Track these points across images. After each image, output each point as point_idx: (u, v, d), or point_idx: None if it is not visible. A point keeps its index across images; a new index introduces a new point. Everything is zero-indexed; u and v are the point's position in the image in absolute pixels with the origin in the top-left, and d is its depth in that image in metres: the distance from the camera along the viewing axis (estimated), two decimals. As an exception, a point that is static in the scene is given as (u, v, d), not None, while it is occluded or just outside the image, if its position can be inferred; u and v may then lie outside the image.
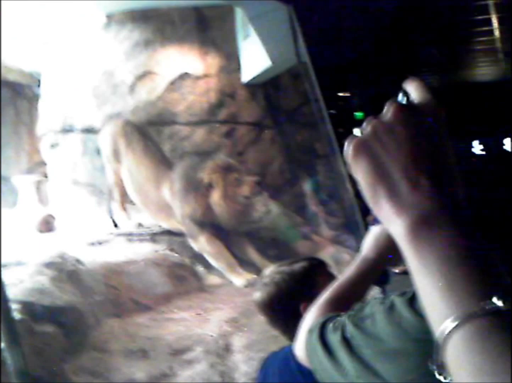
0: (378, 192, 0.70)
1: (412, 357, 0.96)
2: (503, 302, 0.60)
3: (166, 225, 7.75)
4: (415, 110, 0.73)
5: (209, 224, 7.21)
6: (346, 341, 1.16)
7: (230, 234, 7.33)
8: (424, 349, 0.76)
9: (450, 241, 0.65)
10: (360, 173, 0.72)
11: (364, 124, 0.74)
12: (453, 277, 0.63)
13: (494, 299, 0.60)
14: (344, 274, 1.49)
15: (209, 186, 7.17)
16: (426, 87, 0.75)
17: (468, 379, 0.59)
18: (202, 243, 7.16)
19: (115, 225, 7.93)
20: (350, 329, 1.17)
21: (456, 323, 0.61)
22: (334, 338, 1.19)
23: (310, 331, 1.31)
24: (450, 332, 0.61)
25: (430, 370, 0.67)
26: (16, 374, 2.78)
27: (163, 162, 7.85)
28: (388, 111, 0.73)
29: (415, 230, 0.67)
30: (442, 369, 0.64)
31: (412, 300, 0.95)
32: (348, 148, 0.73)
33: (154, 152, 7.82)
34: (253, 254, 7.15)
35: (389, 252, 1.39)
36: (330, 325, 1.22)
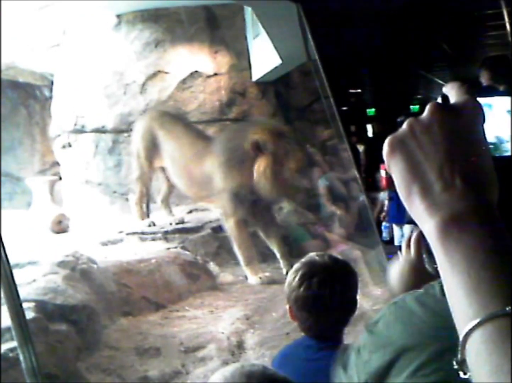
0: (412, 190, 0.72)
1: (424, 353, 0.97)
2: None
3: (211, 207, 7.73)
4: (452, 111, 0.74)
5: (247, 201, 6.78)
6: (358, 352, 1.18)
7: (264, 215, 7.10)
8: (436, 344, 0.77)
9: (479, 242, 0.67)
10: (396, 170, 0.74)
11: (404, 124, 0.75)
12: (480, 278, 0.65)
13: None
14: None
15: (257, 150, 6.52)
16: (465, 88, 0.76)
17: (486, 377, 0.61)
18: (231, 225, 6.93)
19: (153, 224, 7.92)
20: (363, 337, 1.18)
21: (479, 324, 0.62)
22: (352, 354, 1.21)
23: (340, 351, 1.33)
24: (472, 331, 0.63)
25: (441, 366, 0.68)
26: (28, 373, 2.81)
27: (202, 137, 7.54)
28: (426, 111, 0.74)
29: (445, 230, 0.68)
30: (463, 365, 0.66)
31: (423, 296, 0.96)
32: (385, 145, 0.75)
33: (192, 131, 7.59)
34: (275, 243, 7.01)
35: (414, 286, 1.40)
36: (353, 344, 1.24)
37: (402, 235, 8.27)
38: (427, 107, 0.74)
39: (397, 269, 1.51)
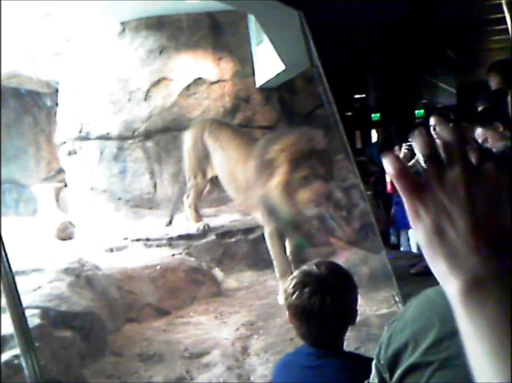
0: (437, 251, 0.73)
1: (437, 332, 0.99)
2: None
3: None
4: (478, 175, 0.75)
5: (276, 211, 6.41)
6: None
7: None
8: (449, 325, 0.78)
9: (502, 308, 0.67)
10: (421, 232, 0.75)
11: (424, 154, 0.76)
12: (502, 344, 0.66)
13: None
14: None
15: (273, 166, 6.14)
16: (489, 153, 0.78)
17: None
18: (266, 236, 6.57)
19: (170, 223, 7.99)
20: (383, 334, 1.20)
21: None
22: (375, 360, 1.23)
23: None
24: None
25: (453, 344, 0.70)
26: (31, 380, 2.83)
27: (248, 142, 7.21)
28: (453, 166, 0.75)
29: (468, 293, 0.69)
30: None
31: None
32: (409, 205, 0.76)
33: (239, 136, 7.41)
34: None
35: None
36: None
37: (408, 240, 8.29)
38: (451, 171, 0.74)
39: None
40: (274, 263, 6.49)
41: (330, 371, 2.32)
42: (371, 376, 1.26)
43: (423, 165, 0.76)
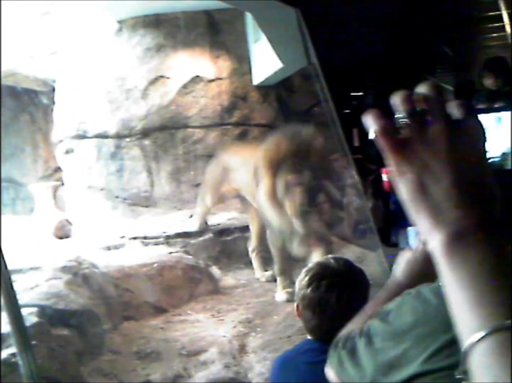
0: (421, 208, 0.75)
1: (437, 341, 0.99)
2: None
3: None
4: (459, 130, 0.76)
5: None
6: (369, 340, 1.19)
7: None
8: (449, 333, 0.79)
9: (483, 258, 0.70)
10: (405, 190, 0.77)
11: (405, 119, 0.77)
12: (483, 293, 0.68)
13: None
14: (376, 297, 1.52)
15: (258, 174, 5.89)
16: (469, 107, 0.78)
17: None
18: (268, 232, 6.42)
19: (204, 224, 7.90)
20: (375, 326, 1.20)
21: (480, 336, 0.66)
22: (360, 343, 1.23)
23: (335, 343, 1.35)
24: (474, 344, 0.66)
25: (453, 352, 0.71)
26: (27, 378, 2.83)
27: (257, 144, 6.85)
28: (434, 122, 0.76)
29: (450, 246, 0.72)
30: (466, 376, 0.69)
31: (438, 288, 0.98)
32: (392, 165, 0.78)
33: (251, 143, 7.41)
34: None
35: (421, 277, 1.41)
36: (357, 332, 1.25)
37: (407, 238, 8.27)
38: (433, 127, 0.76)
39: (408, 259, 1.53)
40: (274, 260, 6.45)
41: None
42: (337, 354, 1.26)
43: (405, 122, 0.77)
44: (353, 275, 2.41)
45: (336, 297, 2.29)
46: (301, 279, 2.41)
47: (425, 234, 0.75)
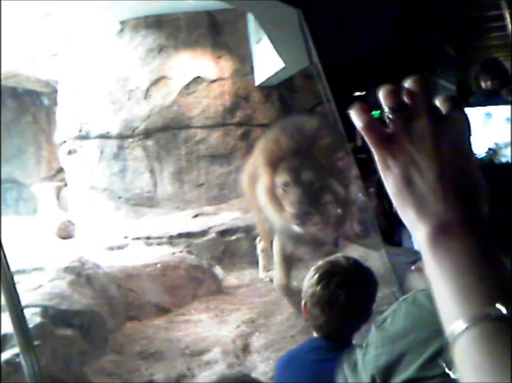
0: (407, 201, 0.76)
1: (432, 346, 1.00)
2: (507, 309, 0.66)
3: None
4: (444, 124, 0.77)
5: None
6: (366, 350, 1.20)
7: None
8: (444, 338, 0.81)
9: (466, 249, 0.72)
10: (390, 183, 0.78)
11: (390, 106, 0.78)
12: (465, 283, 0.70)
13: (499, 306, 0.66)
14: None
15: (257, 171, 5.45)
16: (456, 100, 0.79)
17: (470, 376, 0.66)
18: (274, 240, 6.02)
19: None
20: (371, 334, 1.21)
21: (463, 325, 0.67)
22: (359, 355, 1.24)
23: (342, 361, 1.36)
24: (457, 333, 0.68)
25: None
26: (30, 379, 2.83)
27: None
28: (419, 117, 0.77)
29: (435, 238, 0.73)
30: (450, 365, 0.71)
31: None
32: (378, 159, 0.79)
33: None
34: None
35: None
36: (359, 345, 1.26)
37: (410, 237, 8.27)
38: (418, 121, 0.77)
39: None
40: (275, 270, 5.99)
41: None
42: (342, 375, 1.27)
43: (390, 117, 0.78)
44: (362, 274, 2.42)
45: (346, 295, 2.30)
46: (311, 276, 2.41)
47: (411, 227, 0.77)
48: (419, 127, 0.76)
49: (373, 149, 0.78)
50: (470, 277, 0.70)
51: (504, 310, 0.66)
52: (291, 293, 5.60)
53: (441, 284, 0.72)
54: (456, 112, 0.78)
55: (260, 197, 5.29)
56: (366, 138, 0.78)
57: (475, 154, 0.78)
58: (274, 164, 4.97)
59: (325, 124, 5.64)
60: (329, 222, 5.47)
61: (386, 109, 0.78)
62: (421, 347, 1.07)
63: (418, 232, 0.75)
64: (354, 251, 7.00)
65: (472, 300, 0.69)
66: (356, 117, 0.79)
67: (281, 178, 4.94)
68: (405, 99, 0.78)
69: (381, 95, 0.79)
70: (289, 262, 5.84)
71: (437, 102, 0.79)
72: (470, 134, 0.78)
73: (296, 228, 5.09)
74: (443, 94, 0.80)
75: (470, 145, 0.78)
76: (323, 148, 5.13)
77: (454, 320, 0.69)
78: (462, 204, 0.74)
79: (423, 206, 0.75)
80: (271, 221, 5.52)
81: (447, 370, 0.73)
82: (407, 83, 0.79)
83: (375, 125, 0.78)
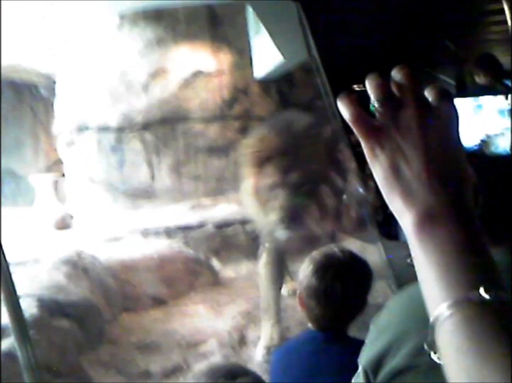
0: (393, 188, 0.78)
1: (422, 334, 1.02)
2: (489, 294, 0.68)
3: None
4: (432, 115, 0.78)
5: None
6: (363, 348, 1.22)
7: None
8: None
9: (450, 235, 0.73)
10: (378, 170, 0.80)
11: (377, 98, 0.80)
12: (449, 268, 0.71)
13: (482, 291, 0.68)
14: None
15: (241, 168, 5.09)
16: (443, 89, 0.81)
17: (452, 358, 0.68)
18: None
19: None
20: (370, 331, 1.22)
21: (446, 308, 0.69)
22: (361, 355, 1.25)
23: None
24: (440, 316, 0.70)
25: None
26: (26, 370, 2.85)
27: None
28: (406, 107, 0.78)
29: (420, 224, 0.75)
30: (433, 346, 0.73)
31: None
32: (365, 146, 0.80)
33: None
34: None
35: None
36: None
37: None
38: (405, 111, 0.78)
39: None
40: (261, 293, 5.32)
41: (337, 355, 2.31)
42: (357, 374, 1.28)
43: (378, 107, 0.79)
44: (358, 265, 2.42)
45: (341, 286, 2.30)
46: (306, 267, 2.41)
47: (397, 214, 0.78)
48: (406, 117, 0.78)
49: (361, 140, 0.80)
50: (454, 263, 0.71)
51: (486, 295, 0.67)
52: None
53: (426, 270, 0.74)
54: (444, 102, 0.79)
55: (244, 199, 4.98)
56: (354, 129, 0.80)
57: (462, 145, 0.79)
58: (260, 165, 4.63)
59: (318, 120, 5.43)
60: (321, 224, 5.08)
61: (373, 100, 0.79)
62: (409, 337, 1.09)
63: (404, 219, 0.77)
64: (351, 244, 7.01)
65: (456, 285, 0.70)
66: (343, 108, 0.80)
67: (268, 179, 4.59)
68: (393, 89, 0.79)
69: (368, 86, 0.80)
70: (279, 274, 5.33)
71: (426, 93, 0.80)
72: (458, 125, 0.79)
73: (282, 233, 4.74)
74: (431, 85, 0.81)
75: (458, 135, 0.79)
76: (315, 147, 4.83)
77: (438, 303, 0.70)
78: (448, 191, 0.75)
79: (409, 193, 0.76)
80: (257, 225, 5.23)
81: (431, 354, 0.74)
82: (395, 73, 0.80)
83: (363, 116, 0.79)
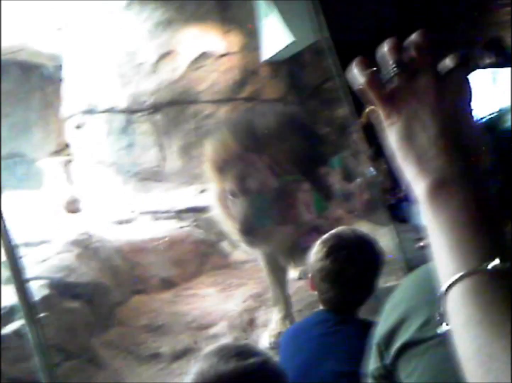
0: (408, 156, 0.77)
1: (431, 309, 1.00)
2: (501, 263, 0.67)
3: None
4: (447, 82, 0.77)
5: None
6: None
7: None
8: None
9: (463, 204, 0.72)
10: (393, 138, 0.79)
11: (395, 62, 0.76)
12: (462, 237, 0.70)
13: (496, 261, 0.67)
14: None
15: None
16: (463, 57, 0.79)
17: (460, 326, 0.67)
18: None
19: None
20: (383, 309, 1.21)
21: (458, 279, 0.68)
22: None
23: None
24: (451, 285, 0.69)
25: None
26: (36, 349, 2.85)
27: None
28: (424, 73, 0.78)
29: (433, 192, 0.74)
30: (444, 317, 0.72)
31: None
32: (382, 113, 0.80)
33: None
34: None
35: None
36: None
37: (418, 213, 8.25)
38: (422, 76, 0.77)
39: None
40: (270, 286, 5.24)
41: (349, 338, 2.29)
42: (371, 356, 1.26)
43: (394, 71, 0.78)
44: (369, 245, 2.40)
45: (356, 267, 2.29)
46: (318, 250, 2.38)
47: (411, 181, 0.78)
48: (423, 81, 0.77)
49: (376, 105, 0.79)
50: (467, 233, 0.70)
51: (498, 264, 0.66)
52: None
53: (438, 239, 0.73)
54: (458, 72, 0.78)
55: (212, 205, 4.72)
56: (368, 94, 0.78)
57: (474, 114, 0.77)
58: (221, 169, 4.34)
59: (289, 120, 4.89)
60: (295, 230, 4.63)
61: (390, 63, 0.77)
62: (420, 311, 1.08)
63: (418, 186, 0.76)
64: (362, 227, 6.99)
65: (469, 255, 0.69)
66: (358, 74, 0.79)
67: (227, 186, 4.33)
68: (410, 53, 0.78)
69: (385, 49, 0.78)
70: (280, 274, 5.11)
71: (446, 61, 0.78)
72: (471, 93, 0.78)
73: (244, 245, 4.54)
74: (450, 56, 0.79)
75: (470, 104, 0.78)
76: (279, 147, 4.43)
77: (450, 273, 0.69)
78: (462, 159, 0.74)
79: (424, 160, 0.75)
80: (228, 233, 4.96)
81: (439, 327, 0.74)
82: (413, 37, 0.78)
83: (378, 80, 0.78)
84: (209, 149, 4.59)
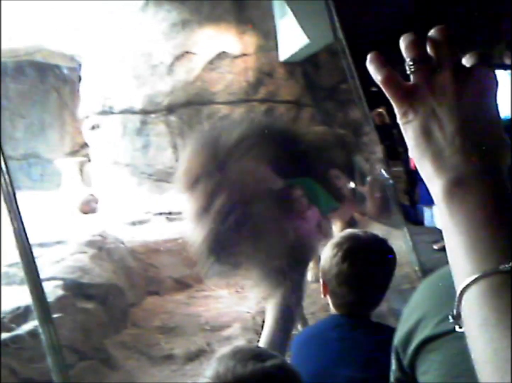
0: (425, 153, 0.75)
1: (448, 307, 1.00)
2: None
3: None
4: (468, 78, 0.75)
5: None
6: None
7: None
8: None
9: (481, 204, 0.70)
10: (410, 135, 0.77)
11: (412, 58, 0.76)
12: (478, 238, 0.69)
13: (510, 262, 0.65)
14: None
15: None
16: (481, 57, 0.78)
17: (475, 328, 0.66)
18: None
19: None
20: (402, 313, 1.21)
21: (474, 280, 0.67)
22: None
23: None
24: (467, 287, 0.68)
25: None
26: (49, 350, 2.86)
27: None
28: (442, 70, 0.75)
29: (450, 191, 0.72)
30: (458, 319, 0.71)
31: None
32: (398, 110, 0.77)
33: None
34: None
35: None
36: None
37: (432, 216, 8.21)
38: (441, 73, 0.75)
39: None
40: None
41: (365, 343, 2.26)
42: (393, 363, 1.26)
43: (412, 68, 0.76)
44: (383, 245, 2.37)
45: (374, 269, 2.26)
46: (332, 255, 2.33)
47: (428, 180, 0.76)
48: (441, 79, 0.75)
49: (393, 102, 0.77)
50: (484, 232, 0.69)
51: None
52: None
53: (455, 238, 0.72)
54: (482, 68, 0.76)
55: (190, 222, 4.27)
56: (385, 91, 0.77)
57: (499, 113, 0.76)
58: (190, 187, 3.96)
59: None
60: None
61: (407, 60, 0.76)
62: (437, 310, 1.08)
63: (434, 185, 0.75)
64: (375, 230, 6.97)
65: (486, 257, 0.68)
66: (374, 70, 0.78)
67: (195, 204, 3.96)
68: (429, 50, 0.76)
69: (403, 45, 0.77)
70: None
71: (465, 58, 0.77)
72: (495, 90, 0.76)
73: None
74: (471, 52, 0.78)
75: (494, 101, 0.76)
76: (248, 162, 4.02)
77: (466, 275, 0.68)
78: (481, 158, 0.72)
79: (441, 158, 0.74)
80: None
81: (455, 326, 0.73)
82: (432, 33, 0.77)
83: (395, 77, 0.77)
84: (183, 159, 4.30)
